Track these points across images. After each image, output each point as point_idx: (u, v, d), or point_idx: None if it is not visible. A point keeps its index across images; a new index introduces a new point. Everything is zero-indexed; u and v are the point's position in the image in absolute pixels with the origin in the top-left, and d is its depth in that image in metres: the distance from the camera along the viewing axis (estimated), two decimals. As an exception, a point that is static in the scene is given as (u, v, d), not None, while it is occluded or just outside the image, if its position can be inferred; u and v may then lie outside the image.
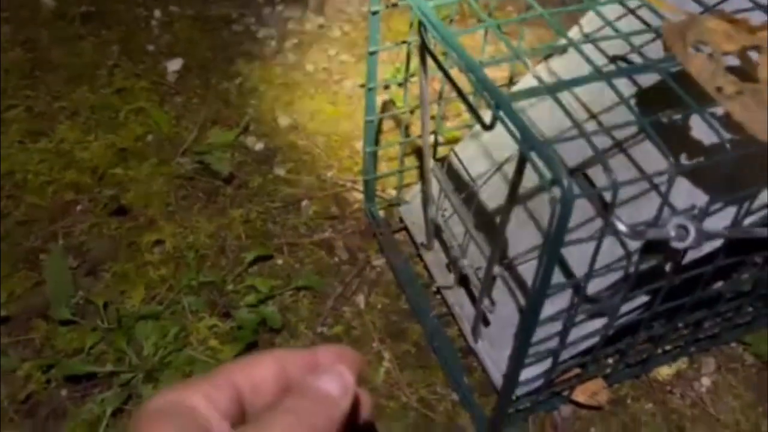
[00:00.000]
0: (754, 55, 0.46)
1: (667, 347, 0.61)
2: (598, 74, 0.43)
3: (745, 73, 0.45)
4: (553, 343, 0.48)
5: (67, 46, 0.91)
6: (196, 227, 0.69)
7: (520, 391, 0.53)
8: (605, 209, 0.39)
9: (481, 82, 0.40)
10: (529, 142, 0.37)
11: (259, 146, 0.78)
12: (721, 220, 0.46)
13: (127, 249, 0.67)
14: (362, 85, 0.59)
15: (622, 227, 0.41)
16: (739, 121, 0.42)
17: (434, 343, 0.60)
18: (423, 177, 0.61)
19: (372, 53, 0.55)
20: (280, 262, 0.67)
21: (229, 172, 0.73)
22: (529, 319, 0.43)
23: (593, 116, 0.55)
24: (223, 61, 0.89)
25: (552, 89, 0.41)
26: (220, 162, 0.73)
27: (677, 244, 0.43)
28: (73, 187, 0.73)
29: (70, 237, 0.69)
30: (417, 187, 0.69)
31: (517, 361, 0.46)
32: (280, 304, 0.63)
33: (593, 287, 0.49)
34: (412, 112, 0.66)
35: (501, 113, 0.39)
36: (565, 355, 0.51)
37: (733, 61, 0.45)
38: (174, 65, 0.88)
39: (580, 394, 0.57)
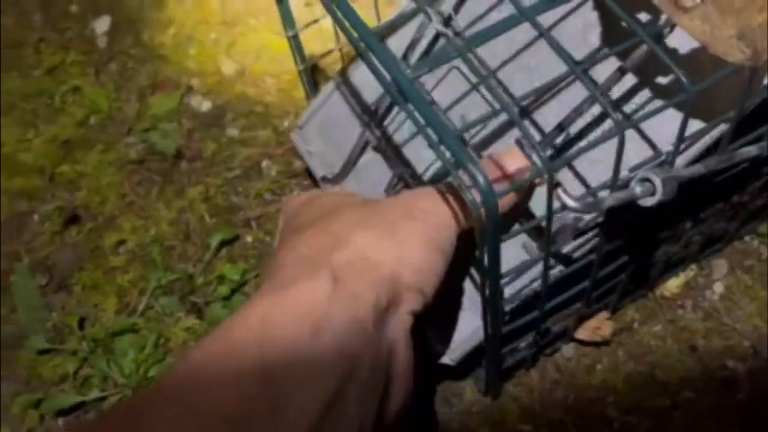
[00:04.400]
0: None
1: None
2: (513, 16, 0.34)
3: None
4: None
5: (-12, 24, 0.83)
6: (156, 216, 0.65)
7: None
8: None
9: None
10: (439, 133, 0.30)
11: (206, 106, 0.72)
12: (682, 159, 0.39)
13: (91, 255, 0.64)
14: (307, 4, 0.49)
15: (570, 202, 0.35)
16: (700, 41, 0.34)
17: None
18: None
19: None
20: (249, 239, 0.63)
21: (176, 148, 0.68)
22: (492, 303, 0.38)
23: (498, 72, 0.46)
24: (153, 7, 0.81)
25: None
26: (165, 138, 0.67)
27: (647, 201, 0.36)
28: (24, 196, 0.69)
29: (33, 252, 0.66)
30: (315, 103, 0.56)
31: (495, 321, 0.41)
32: (254, 290, 0.60)
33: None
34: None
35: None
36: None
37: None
38: (102, 25, 0.80)
39: (582, 332, 0.53)
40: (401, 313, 0.36)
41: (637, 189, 0.36)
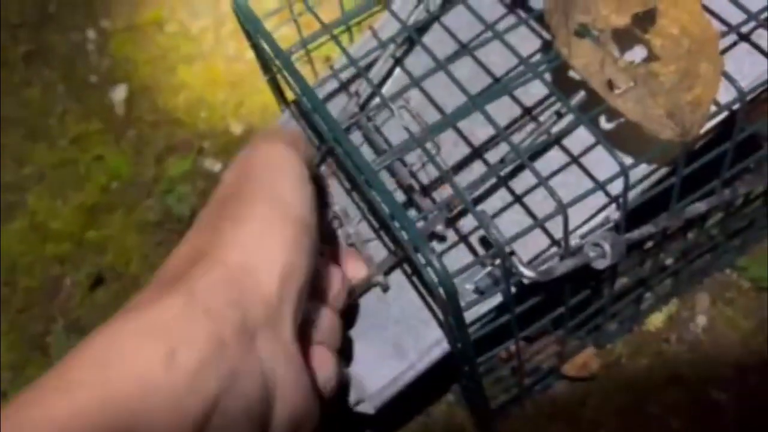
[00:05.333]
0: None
1: (656, 291, 0.58)
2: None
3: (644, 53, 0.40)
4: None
5: (16, 96, 0.90)
6: (175, 275, 0.70)
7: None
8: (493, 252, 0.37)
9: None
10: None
11: (217, 167, 0.77)
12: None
13: (119, 314, 0.70)
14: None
15: (526, 272, 0.38)
16: (635, 120, 0.38)
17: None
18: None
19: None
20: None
21: (191, 209, 0.73)
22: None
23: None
24: (165, 73, 0.86)
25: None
26: (181, 202, 0.73)
27: (598, 265, 0.40)
28: (57, 261, 0.75)
29: (68, 314, 0.71)
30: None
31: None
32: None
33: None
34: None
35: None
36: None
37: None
38: (119, 94, 0.86)
39: (570, 369, 0.56)
40: (279, 333, 0.32)
41: (590, 254, 0.39)
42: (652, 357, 0.57)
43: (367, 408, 0.44)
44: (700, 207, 0.42)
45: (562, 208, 0.35)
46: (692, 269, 0.57)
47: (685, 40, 0.39)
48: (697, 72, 0.38)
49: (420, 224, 0.42)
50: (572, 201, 0.35)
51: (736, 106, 0.38)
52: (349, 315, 0.45)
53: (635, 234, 0.40)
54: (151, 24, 0.92)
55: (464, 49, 0.47)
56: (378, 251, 0.46)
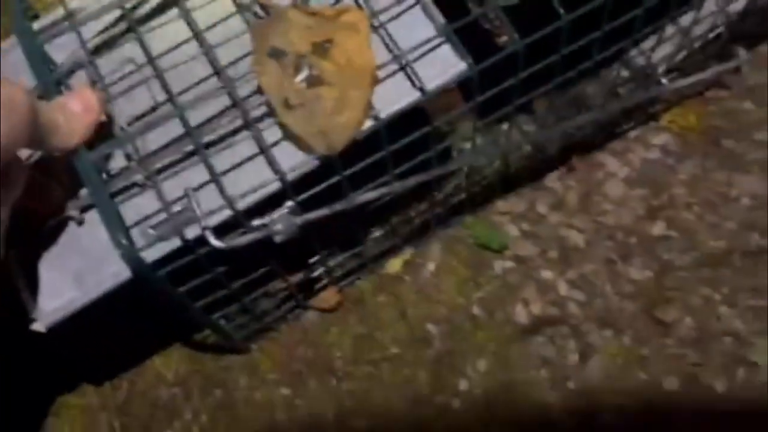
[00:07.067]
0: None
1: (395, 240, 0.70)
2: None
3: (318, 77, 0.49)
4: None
5: None
6: None
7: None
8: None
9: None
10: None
11: None
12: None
13: None
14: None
15: (217, 243, 0.49)
16: (297, 134, 0.48)
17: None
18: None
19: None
20: None
21: None
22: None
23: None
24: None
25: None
26: None
27: (276, 239, 0.51)
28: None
29: None
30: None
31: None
32: None
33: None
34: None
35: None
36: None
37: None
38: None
39: (315, 301, 0.69)
40: None
41: (269, 229, 0.51)
42: (387, 296, 0.70)
43: (39, 327, 0.48)
44: (369, 195, 0.53)
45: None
46: (427, 224, 0.69)
47: (348, 70, 0.48)
48: (349, 98, 0.48)
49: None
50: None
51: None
52: (38, 244, 0.50)
53: (310, 216, 0.51)
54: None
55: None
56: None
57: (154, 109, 0.52)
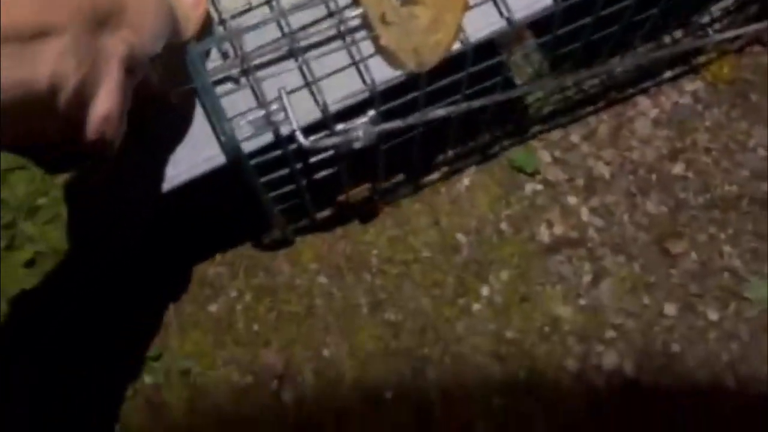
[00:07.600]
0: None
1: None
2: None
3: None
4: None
5: None
6: None
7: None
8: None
9: None
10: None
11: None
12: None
13: None
14: None
15: (305, 142, 0.53)
16: (387, 48, 0.51)
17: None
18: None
19: None
20: None
21: None
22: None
23: None
24: None
25: None
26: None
27: (356, 145, 0.55)
28: None
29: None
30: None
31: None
32: None
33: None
34: None
35: None
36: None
37: None
38: None
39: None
40: (119, 36, 0.36)
41: (350, 135, 0.55)
42: (423, 204, 0.76)
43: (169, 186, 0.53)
44: (440, 112, 0.58)
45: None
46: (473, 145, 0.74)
47: (442, -8, 0.51)
48: (444, 20, 0.51)
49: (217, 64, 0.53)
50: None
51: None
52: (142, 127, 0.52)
53: (386, 126, 0.56)
54: None
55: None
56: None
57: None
